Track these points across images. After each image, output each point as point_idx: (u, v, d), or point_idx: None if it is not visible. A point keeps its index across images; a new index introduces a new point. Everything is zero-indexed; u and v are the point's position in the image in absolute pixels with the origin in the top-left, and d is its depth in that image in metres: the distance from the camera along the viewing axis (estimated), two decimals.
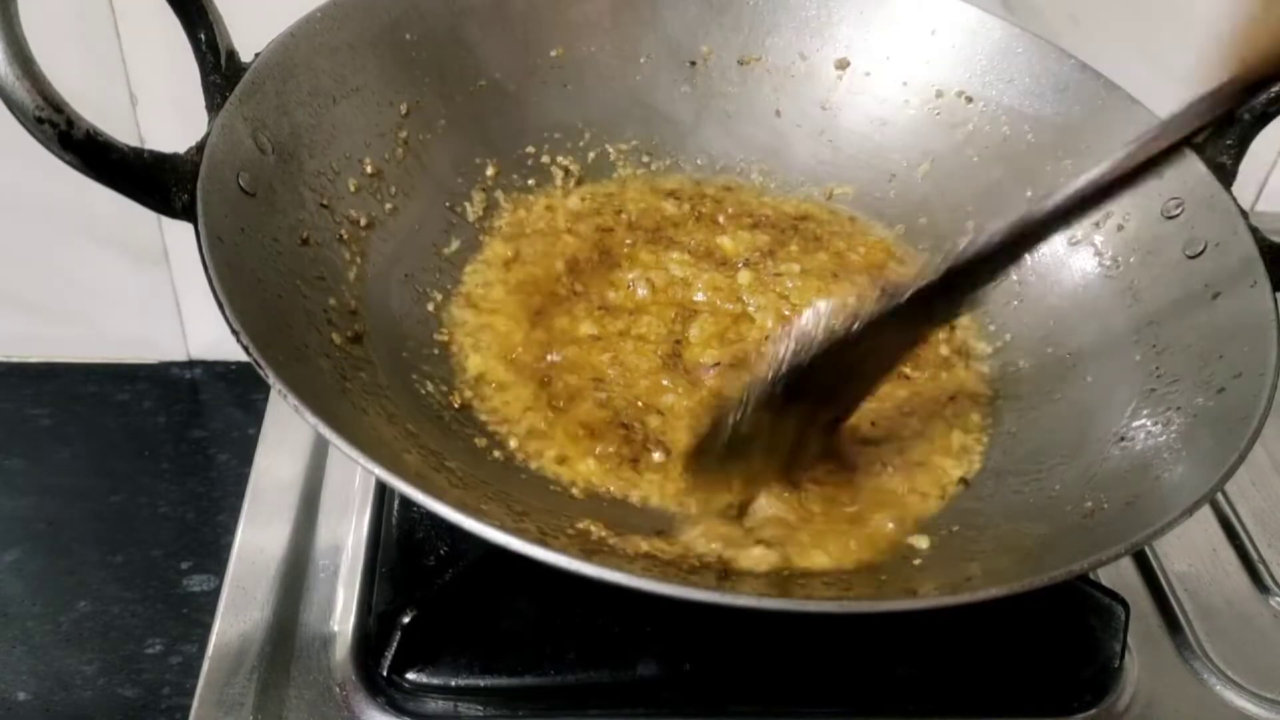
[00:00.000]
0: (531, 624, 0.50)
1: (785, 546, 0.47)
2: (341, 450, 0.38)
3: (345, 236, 0.52)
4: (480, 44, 0.60)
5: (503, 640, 0.50)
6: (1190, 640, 0.55)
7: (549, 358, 0.55)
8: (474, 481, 0.47)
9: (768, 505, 0.49)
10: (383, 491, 0.58)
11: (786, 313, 0.58)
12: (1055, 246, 0.59)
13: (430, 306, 0.56)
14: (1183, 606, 0.56)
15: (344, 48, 0.54)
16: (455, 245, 0.59)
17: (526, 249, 0.60)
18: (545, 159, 0.63)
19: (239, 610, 0.52)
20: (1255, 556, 0.60)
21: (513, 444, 0.51)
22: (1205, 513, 0.62)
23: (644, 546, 0.46)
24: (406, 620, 0.48)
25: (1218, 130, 0.55)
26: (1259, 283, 0.50)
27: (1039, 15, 0.68)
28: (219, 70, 0.48)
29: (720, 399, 0.51)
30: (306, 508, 0.58)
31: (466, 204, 0.60)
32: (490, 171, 0.61)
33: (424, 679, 0.49)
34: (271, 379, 0.39)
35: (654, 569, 0.45)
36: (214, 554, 0.64)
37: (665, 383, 0.55)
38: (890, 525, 0.49)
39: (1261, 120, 0.54)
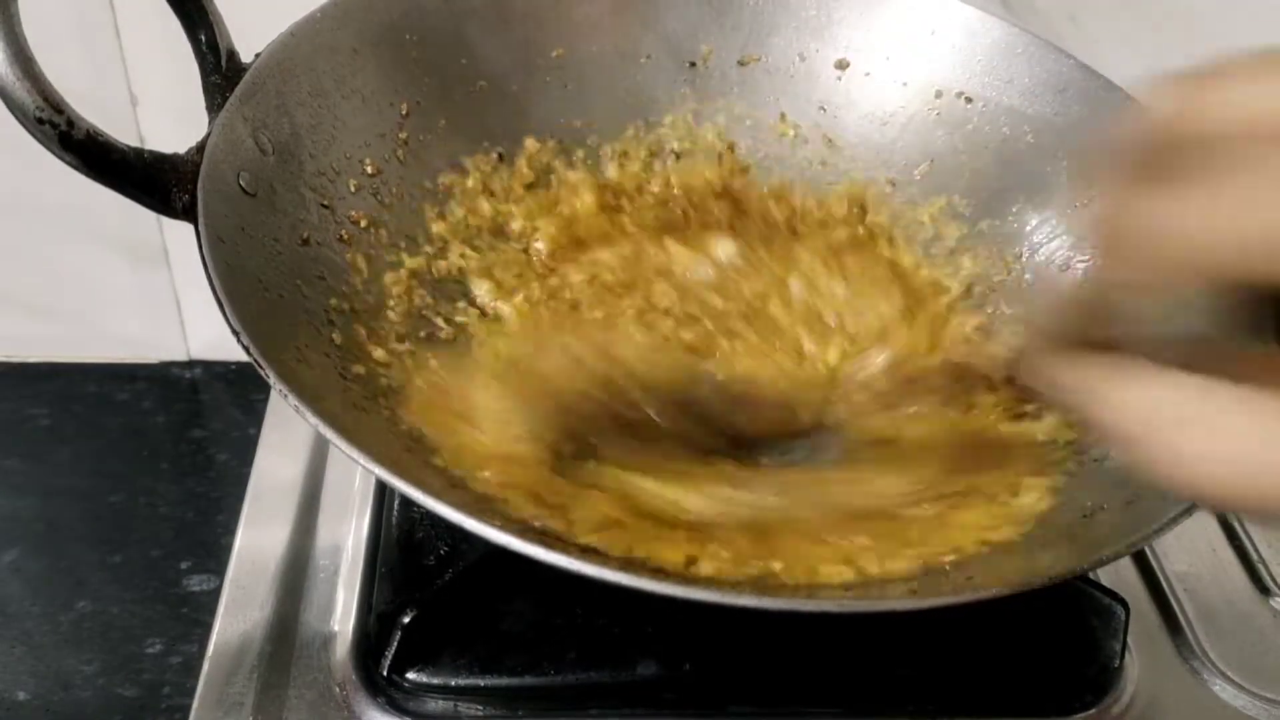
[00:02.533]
0: (531, 624, 0.50)
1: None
2: (342, 450, 0.38)
3: (346, 237, 0.52)
4: (481, 44, 0.60)
5: (503, 640, 0.50)
6: (1190, 640, 0.55)
7: None
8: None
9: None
10: (383, 491, 0.58)
11: None
12: (1055, 247, 0.60)
13: None
14: (1183, 606, 0.56)
15: (345, 48, 0.54)
16: None
17: None
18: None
19: (239, 610, 0.52)
20: (1255, 556, 0.60)
21: None
22: (1205, 513, 0.62)
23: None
24: (406, 620, 0.48)
25: None
26: None
27: (1039, 15, 0.68)
28: (219, 70, 0.48)
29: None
30: (306, 508, 0.58)
31: None
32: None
33: (424, 679, 0.49)
34: (272, 379, 0.39)
35: (654, 569, 0.45)
36: (214, 554, 0.64)
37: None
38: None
39: None
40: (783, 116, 0.65)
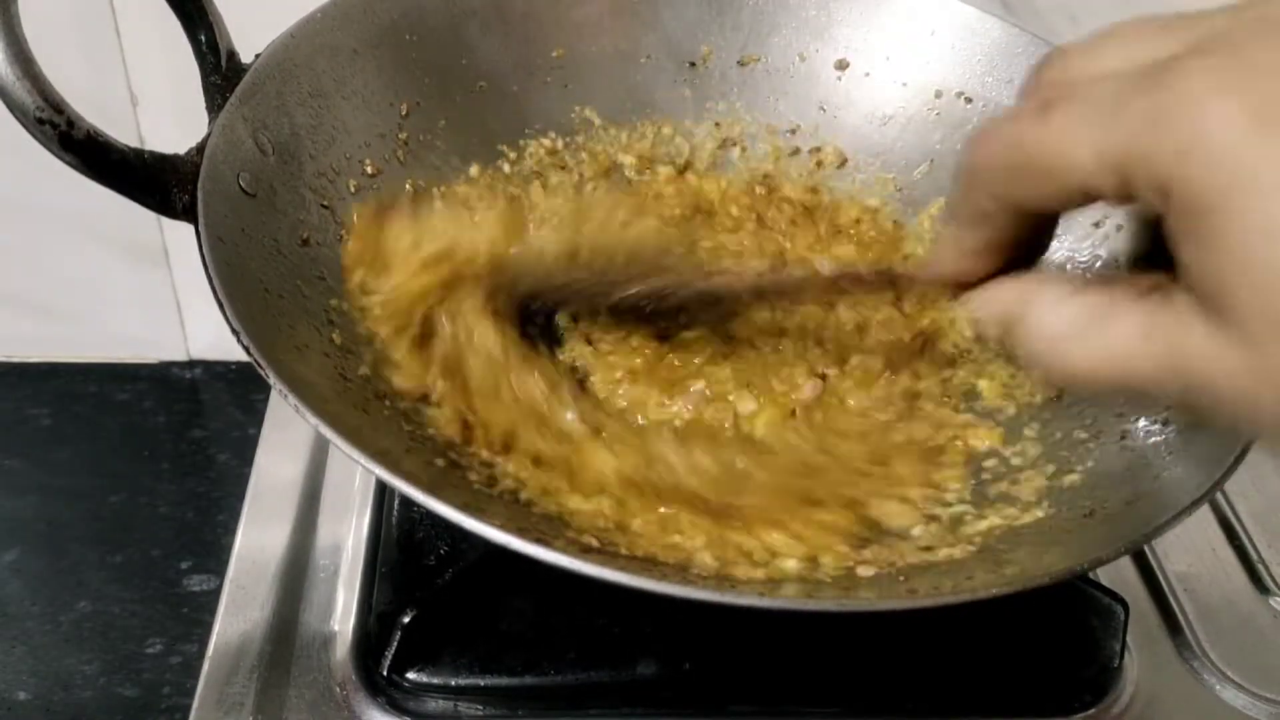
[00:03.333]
0: (531, 624, 0.50)
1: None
2: (342, 450, 0.38)
3: (346, 237, 0.52)
4: (481, 45, 0.60)
5: (503, 640, 0.50)
6: (1190, 640, 0.55)
7: None
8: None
9: None
10: (383, 491, 0.58)
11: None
12: (1054, 247, 0.59)
13: None
14: (1182, 606, 0.56)
15: (345, 49, 0.54)
16: None
17: None
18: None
19: (239, 610, 0.52)
20: (1255, 556, 0.60)
21: None
22: (1205, 512, 0.62)
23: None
24: (406, 620, 0.48)
25: None
26: None
27: (1039, 15, 0.68)
28: (219, 71, 0.48)
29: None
30: (306, 508, 0.58)
31: None
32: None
33: (424, 679, 0.49)
34: (272, 379, 0.39)
35: (654, 569, 0.45)
36: (214, 554, 0.64)
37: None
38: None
39: None
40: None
